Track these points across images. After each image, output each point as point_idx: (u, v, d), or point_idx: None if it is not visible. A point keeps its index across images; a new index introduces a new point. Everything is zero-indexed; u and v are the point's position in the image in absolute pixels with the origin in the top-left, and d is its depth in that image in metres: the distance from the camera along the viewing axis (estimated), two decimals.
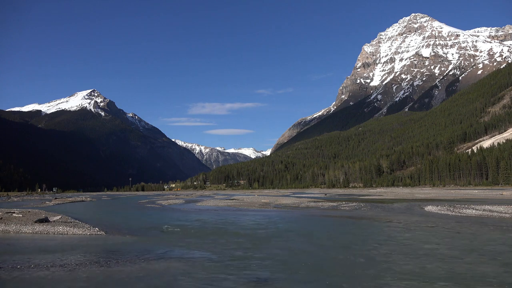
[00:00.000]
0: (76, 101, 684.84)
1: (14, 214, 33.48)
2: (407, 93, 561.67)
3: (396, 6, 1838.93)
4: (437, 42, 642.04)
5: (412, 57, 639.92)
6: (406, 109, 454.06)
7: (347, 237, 21.77)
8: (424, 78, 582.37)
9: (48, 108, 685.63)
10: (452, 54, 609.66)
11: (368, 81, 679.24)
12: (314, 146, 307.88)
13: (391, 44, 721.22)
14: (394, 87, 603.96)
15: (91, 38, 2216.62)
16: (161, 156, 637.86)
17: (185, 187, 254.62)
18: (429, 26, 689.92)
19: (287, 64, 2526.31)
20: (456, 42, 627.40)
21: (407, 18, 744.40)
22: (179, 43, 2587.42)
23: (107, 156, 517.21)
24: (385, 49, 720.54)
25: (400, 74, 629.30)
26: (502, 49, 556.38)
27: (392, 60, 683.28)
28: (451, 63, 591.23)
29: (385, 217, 32.12)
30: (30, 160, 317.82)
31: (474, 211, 33.95)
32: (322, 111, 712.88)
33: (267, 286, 12.00)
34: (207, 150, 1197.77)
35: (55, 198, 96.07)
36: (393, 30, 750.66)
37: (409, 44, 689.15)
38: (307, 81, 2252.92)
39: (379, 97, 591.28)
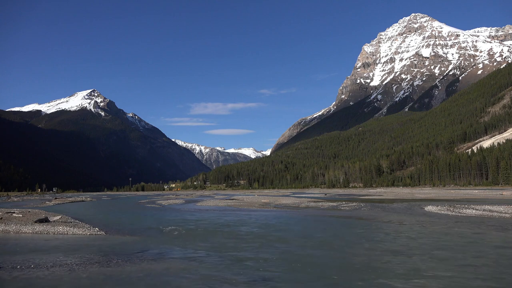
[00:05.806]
0: (76, 101, 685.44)
1: (14, 214, 33.48)
2: (407, 93, 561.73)
3: (396, 6, 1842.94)
4: (437, 42, 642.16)
5: (412, 57, 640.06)
6: (406, 109, 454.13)
7: (347, 237, 21.77)
8: (424, 78, 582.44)
9: (48, 108, 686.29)
10: (452, 54, 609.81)
11: (368, 81, 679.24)
12: (314, 146, 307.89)
13: (391, 44, 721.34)
14: (394, 87, 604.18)
15: (91, 38, 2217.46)
16: (161, 156, 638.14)
17: (185, 187, 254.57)
18: (429, 26, 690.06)
19: (290, 64, 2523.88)
20: (456, 42, 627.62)
21: (407, 18, 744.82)
22: (181, 43, 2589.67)
23: (107, 156, 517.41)
24: (385, 49, 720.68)
25: (400, 74, 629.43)
26: (502, 49, 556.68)
27: (392, 60, 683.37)
28: (451, 63, 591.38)
29: (385, 217, 32.12)
30: (30, 160, 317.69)
31: (474, 211, 33.94)
32: (322, 111, 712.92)
33: (267, 286, 12.01)
34: (207, 150, 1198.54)
35: (55, 198, 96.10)
36: (393, 30, 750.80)
37: (409, 44, 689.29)
38: (311, 81, 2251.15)
39: (379, 97, 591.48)
